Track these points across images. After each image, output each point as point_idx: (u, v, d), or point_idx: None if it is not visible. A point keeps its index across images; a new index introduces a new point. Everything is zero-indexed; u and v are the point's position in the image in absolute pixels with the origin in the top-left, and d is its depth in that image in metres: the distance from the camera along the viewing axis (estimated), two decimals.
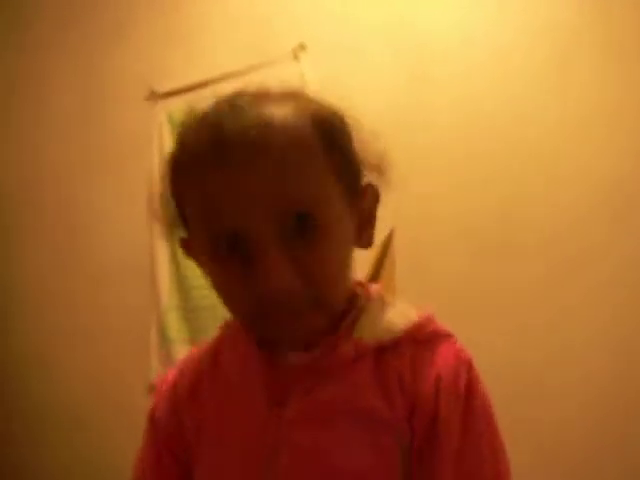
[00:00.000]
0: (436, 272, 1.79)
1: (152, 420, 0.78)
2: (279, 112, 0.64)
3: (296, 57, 2.03)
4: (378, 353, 0.68)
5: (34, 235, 2.54)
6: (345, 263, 0.68)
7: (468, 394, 0.67)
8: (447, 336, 0.71)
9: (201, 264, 0.70)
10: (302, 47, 2.02)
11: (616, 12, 1.68)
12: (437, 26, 1.89)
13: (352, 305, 0.71)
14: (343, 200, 0.67)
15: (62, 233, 2.49)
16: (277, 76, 2.04)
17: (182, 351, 2.15)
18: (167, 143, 2.24)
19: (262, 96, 0.67)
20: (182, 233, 0.72)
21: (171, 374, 0.80)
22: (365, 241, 0.72)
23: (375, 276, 1.82)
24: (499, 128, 1.78)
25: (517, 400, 1.65)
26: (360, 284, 0.75)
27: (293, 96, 0.68)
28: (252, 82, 2.29)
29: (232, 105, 0.66)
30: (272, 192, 0.61)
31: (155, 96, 2.29)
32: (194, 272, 2.14)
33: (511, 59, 1.78)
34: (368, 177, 0.71)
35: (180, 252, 2.33)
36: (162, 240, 2.22)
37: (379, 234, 1.88)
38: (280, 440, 0.67)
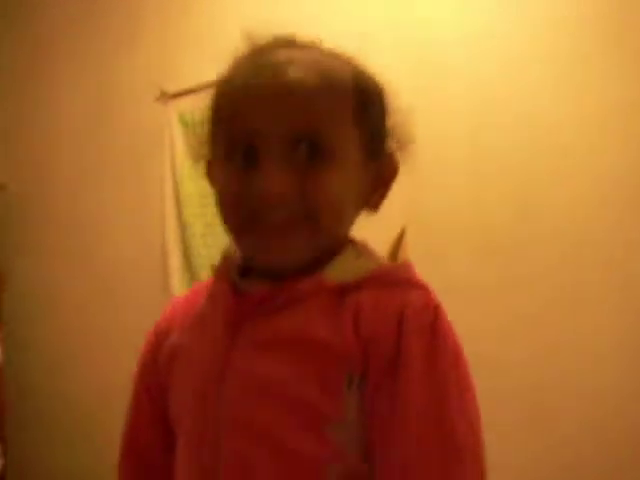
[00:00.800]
0: (449, 265, 1.79)
1: (140, 362, 0.83)
2: (327, 57, 0.71)
3: None
4: (340, 292, 0.67)
5: (47, 235, 2.56)
6: (344, 202, 0.70)
7: (434, 333, 0.64)
8: (421, 286, 0.69)
9: (214, 182, 0.75)
10: None
11: (632, 4, 1.67)
12: (442, 17, 1.88)
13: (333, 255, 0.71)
14: (360, 151, 0.70)
15: (75, 233, 2.51)
16: None
17: None
18: (178, 143, 2.25)
19: (319, 44, 0.74)
20: (208, 155, 0.76)
21: (161, 316, 0.83)
22: (373, 203, 0.74)
23: None
24: (509, 121, 1.78)
25: (533, 392, 1.65)
26: (353, 241, 0.74)
27: (346, 55, 0.74)
28: None
29: (289, 40, 0.74)
30: (293, 111, 0.66)
31: (166, 96, 2.30)
32: (208, 271, 2.15)
33: (522, 48, 1.77)
34: (392, 148, 0.74)
35: (193, 251, 2.33)
36: (174, 239, 2.24)
37: (391, 231, 1.89)
38: (228, 364, 0.69)
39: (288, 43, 0.73)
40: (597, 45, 1.69)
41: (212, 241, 2.12)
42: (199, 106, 2.24)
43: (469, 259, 1.78)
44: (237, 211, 0.69)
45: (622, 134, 1.66)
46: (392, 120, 0.74)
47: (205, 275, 2.14)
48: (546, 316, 1.69)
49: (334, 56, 0.72)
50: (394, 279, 0.69)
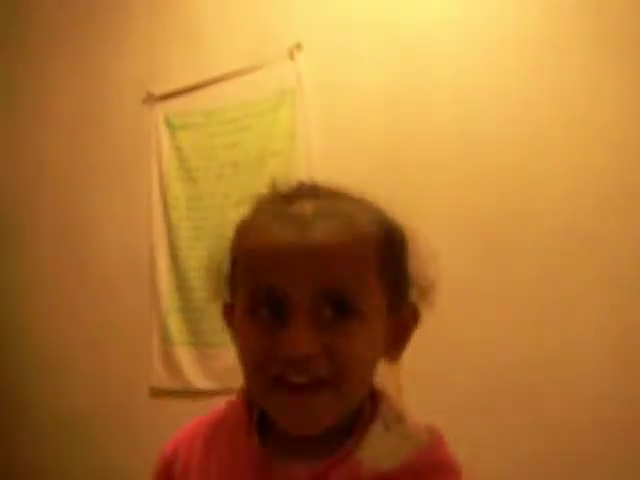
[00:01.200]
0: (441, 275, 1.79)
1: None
2: (352, 208, 0.71)
3: (292, 57, 2.03)
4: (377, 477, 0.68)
5: (33, 238, 2.54)
6: (369, 362, 0.69)
7: None
8: (451, 470, 0.70)
9: (235, 330, 0.73)
10: (298, 47, 2.02)
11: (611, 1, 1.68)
12: (432, 24, 1.88)
13: (360, 416, 0.71)
14: (384, 306, 0.70)
15: (61, 236, 2.49)
16: (273, 76, 2.05)
17: (184, 353, 2.15)
18: (165, 145, 2.24)
19: (342, 191, 0.74)
20: (227, 298, 0.76)
21: (168, 449, 0.80)
22: (394, 354, 0.74)
23: None
24: (492, 111, 1.78)
25: (527, 394, 1.64)
26: (372, 395, 0.73)
27: (368, 201, 0.74)
28: (248, 82, 2.26)
29: (313, 189, 0.73)
30: (319, 270, 0.66)
31: (152, 98, 2.29)
32: (196, 273, 2.14)
33: (506, 38, 1.78)
34: (413, 296, 0.74)
35: (180, 253, 2.32)
36: (162, 242, 2.23)
37: None
38: None
39: (313, 192, 0.72)
40: (576, 39, 1.70)
41: (199, 244, 2.11)
42: (185, 109, 2.25)
43: (461, 255, 1.77)
44: (263, 373, 0.68)
45: (615, 121, 1.65)
46: (414, 267, 0.74)
47: (193, 276, 2.15)
48: (542, 319, 1.68)
49: (359, 207, 0.71)
50: (429, 464, 0.69)
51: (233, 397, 0.77)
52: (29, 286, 2.51)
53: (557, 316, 1.66)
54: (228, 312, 0.75)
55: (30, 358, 2.47)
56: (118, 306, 2.33)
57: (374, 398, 0.73)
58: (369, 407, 0.72)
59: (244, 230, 0.73)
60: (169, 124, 2.25)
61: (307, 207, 0.70)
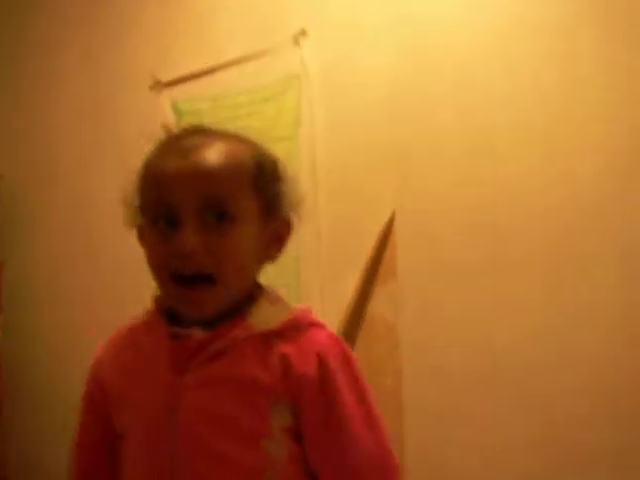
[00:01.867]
0: (440, 248, 1.79)
1: (87, 396, 0.99)
2: (230, 141, 0.92)
3: (297, 43, 2.03)
4: (264, 337, 0.88)
5: (45, 224, 2.57)
6: (244, 256, 0.89)
7: (344, 362, 0.88)
8: (321, 325, 0.92)
9: (145, 243, 0.93)
10: (303, 32, 2.03)
11: None
12: (441, 9, 1.87)
13: (244, 303, 0.91)
14: (259, 214, 0.91)
15: (73, 221, 2.53)
16: (278, 62, 2.06)
17: None
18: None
19: (225, 131, 0.94)
20: (140, 222, 0.95)
21: (99, 349, 1.01)
22: (270, 255, 0.94)
23: (377, 260, 1.84)
24: (499, 96, 1.76)
25: (520, 387, 1.66)
26: (259, 286, 0.95)
27: (248, 139, 0.95)
28: (254, 68, 2.27)
29: (199, 128, 0.94)
30: (201, 186, 0.86)
31: (159, 85, 2.31)
32: None
33: (517, 28, 1.76)
34: (286, 210, 0.94)
35: None
36: None
37: (380, 218, 1.90)
38: (179, 401, 0.87)
39: (199, 130, 0.93)
40: (586, 25, 1.68)
41: None
42: (192, 95, 2.26)
43: (460, 241, 1.78)
44: (162, 269, 0.89)
45: (617, 103, 1.62)
46: (285, 188, 0.94)
47: None
48: (540, 297, 1.68)
49: (237, 139, 0.92)
50: (304, 324, 0.90)
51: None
52: (43, 277, 2.55)
53: (554, 293, 1.66)
54: (141, 233, 0.95)
55: (38, 343, 2.51)
56: (129, 292, 2.35)
57: (259, 289, 0.94)
58: (255, 294, 0.92)
59: (145, 164, 0.93)
60: (176, 110, 2.27)
61: (193, 140, 0.90)
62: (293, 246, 1.90)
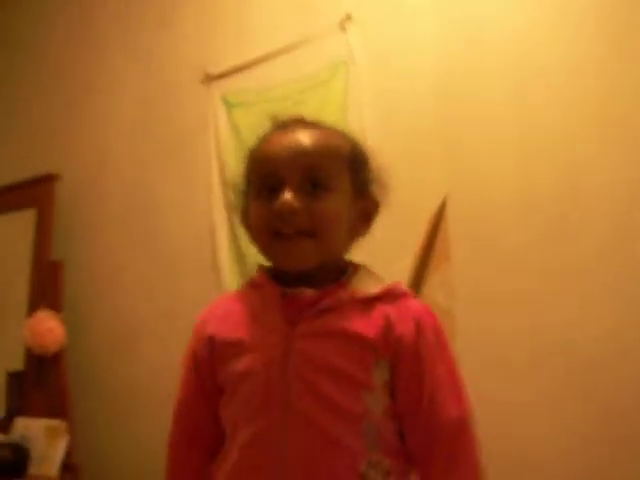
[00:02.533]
0: (493, 246, 1.74)
1: (191, 355, 1.06)
2: (329, 128, 1.05)
3: (343, 28, 2.01)
4: (366, 301, 0.98)
5: (101, 222, 2.63)
6: (339, 221, 1.00)
7: (436, 332, 1.00)
8: (412, 295, 1.04)
9: (249, 216, 1.04)
10: (349, 18, 2.00)
11: None
12: None
13: (344, 273, 1.03)
14: (351, 190, 1.02)
15: (128, 218, 2.57)
16: (324, 49, 2.04)
17: None
18: (222, 124, 2.28)
19: (323, 122, 1.06)
20: (242, 204, 1.07)
21: (202, 314, 1.08)
22: (359, 230, 1.06)
23: (429, 245, 1.80)
24: (554, 90, 1.70)
25: (575, 375, 1.60)
26: (352, 263, 1.06)
27: (344, 129, 1.08)
28: (300, 57, 2.26)
29: (301, 119, 1.07)
30: (305, 162, 0.99)
31: (209, 78, 2.32)
32: (254, 251, 2.17)
33: (566, 13, 1.70)
34: (375, 192, 1.06)
35: (239, 231, 2.37)
36: (222, 222, 2.27)
37: (432, 203, 1.85)
38: (292, 347, 0.96)
39: (301, 120, 1.06)
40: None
41: None
42: (240, 87, 2.27)
43: (515, 225, 1.72)
44: (265, 230, 0.99)
45: None
46: (374, 173, 1.06)
47: (251, 253, 2.17)
48: (600, 282, 1.61)
49: (335, 129, 1.05)
50: (399, 292, 1.01)
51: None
52: (102, 274, 2.61)
53: (618, 294, 1.59)
54: (244, 214, 1.07)
55: (101, 338, 2.58)
56: (189, 286, 2.38)
57: (355, 265, 1.05)
58: (352, 268, 1.04)
59: (253, 149, 1.06)
60: (226, 102, 2.28)
61: (298, 129, 1.02)
62: None
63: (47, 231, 2.60)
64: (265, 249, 1.01)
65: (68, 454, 2.32)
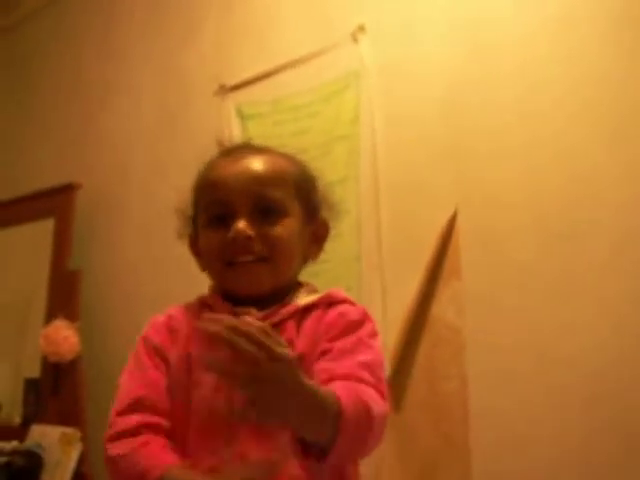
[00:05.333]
0: (505, 258, 1.69)
1: (150, 346, 1.05)
2: (276, 153, 1.09)
3: (355, 39, 2.00)
4: (303, 311, 1.01)
5: (122, 232, 2.65)
6: (293, 245, 1.03)
7: (360, 322, 1.01)
8: (352, 302, 1.04)
9: (199, 245, 1.06)
10: (361, 29, 1.99)
11: None
12: (500, 7, 1.78)
13: (292, 291, 1.05)
14: (300, 214, 1.05)
15: (149, 228, 2.58)
16: (337, 60, 2.03)
17: None
18: (236, 135, 2.27)
19: (270, 147, 1.11)
20: (192, 232, 1.10)
21: (161, 317, 1.09)
22: (312, 254, 1.09)
23: (439, 259, 1.76)
24: (562, 97, 1.66)
25: (581, 385, 1.55)
26: (298, 283, 1.08)
27: (289, 154, 1.10)
28: (313, 68, 2.26)
29: (248, 145, 1.13)
30: (254, 189, 1.01)
31: (224, 90, 2.33)
32: None
33: (573, 19, 1.66)
34: (323, 215, 1.09)
35: None
36: None
37: (443, 215, 1.83)
38: None
39: (248, 145, 1.11)
40: None
41: None
42: (254, 98, 2.26)
43: (528, 237, 1.68)
44: (219, 258, 1.01)
45: None
46: (321, 195, 1.10)
47: None
48: (616, 296, 1.55)
49: (282, 155, 1.08)
50: (337, 299, 1.03)
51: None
52: (120, 284, 2.62)
53: (623, 306, 1.53)
54: (192, 241, 1.09)
55: (117, 348, 2.59)
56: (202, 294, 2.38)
57: (302, 285, 1.07)
58: (297, 286, 1.07)
59: (201, 176, 1.07)
60: (240, 114, 2.28)
61: (244, 152, 1.06)
62: (354, 248, 1.90)
63: (66, 241, 2.63)
64: (219, 277, 1.04)
65: (80, 462, 2.33)
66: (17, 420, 2.60)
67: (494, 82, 1.76)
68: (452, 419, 1.67)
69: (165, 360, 1.02)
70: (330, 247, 1.86)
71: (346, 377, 0.91)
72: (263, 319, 0.96)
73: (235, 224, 0.98)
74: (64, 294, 2.57)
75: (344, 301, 1.03)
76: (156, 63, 2.61)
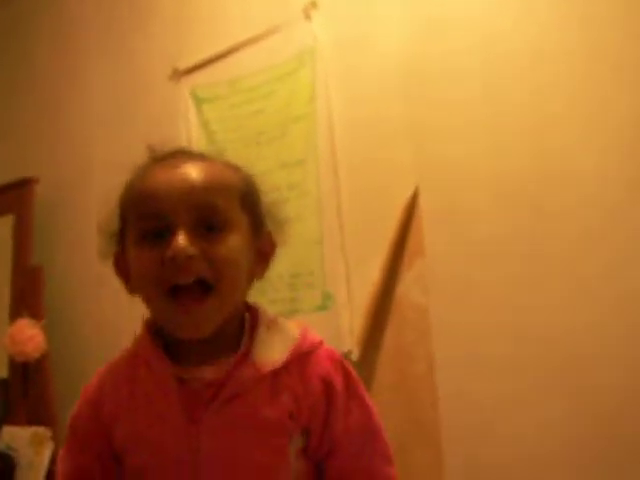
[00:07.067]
0: (470, 238, 1.65)
1: (73, 427, 0.96)
2: (217, 161, 0.94)
3: (308, 16, 1.93)
4: (272, 374, 0.88)
5: (82, 227, 2.58)
6: (241, 266, 0.89)
7: (347, 385, 0.93)
8: (319, 343, 0.94)
9: (127, 266, 0.90)
10: (313, 5, 1.93)
11: None
12: None
13: (242, 325, 0.92)
14: (246, 230, 0.91)
15: None
16: (290, 39, 1.97)
17: None
18: (192, 119, 2.21)
19: (208, 154, 0.97)
20: (116, 249, 0.93)
21: (91, 385, 0.96)
22: (259, 272, 0.95)
23: (402, 239, 1.73)
24: (526, 71, 1.61)
25: (561, 370, 1.52)
26: (249, 309, 0.94)
27: (230, 161, 0.96)
28: (267, 47, 2.18)
29: (183, 150, 0.96)
30: (195, 200, 0.86)
31: (178, 74, 2.26)
32: None
33: None
34: (269, 229, 0.96)
35: None
36: None
37: (404, 194, 1.78)
38: (199, 448, 0.86)
39: (184, 151, 0.95)
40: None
41: None
42: (209, 81, 2.20)
43: (492, 213, 1.63)
44: (155, 284, 0.84)
45: None
46: (267, 208, 0.96)
47: None
48: (582, 272, 1.52)
49: (223, 161, 0.95)
50: (305, 348, 0.91)
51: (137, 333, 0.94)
52: (79, 275, 2.56)
53: (596, 285, 1.49)
54: (118, 260, 0.93)
55: (83, 343, 2.54)
56: None
57: (251, 311, 0.94)
58: (249, 318, 0.93)
59: (131, 185, 0.91)
60: (195, 98, 2.22)
61: (180, 158, 0.90)
62: (316, 230, 1.86)
63: (26, 236, 2.56)
64: (156, 310, 0.88)
65: (53, 461, 2.28)
66: None
67: (455, 56, 1.70)
68: (421, 402, 1.64)
69: (98, 434, 0.92)
70: (292, 230, 1.81)
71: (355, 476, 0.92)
72: (220, 386, 0.86)
73: (175, 240, 0.82)
74: (27, 290, 2.50)
75: (313, 348, 0.93)
76: (109, 51, 2.53)
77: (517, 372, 1.56)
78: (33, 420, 2.39)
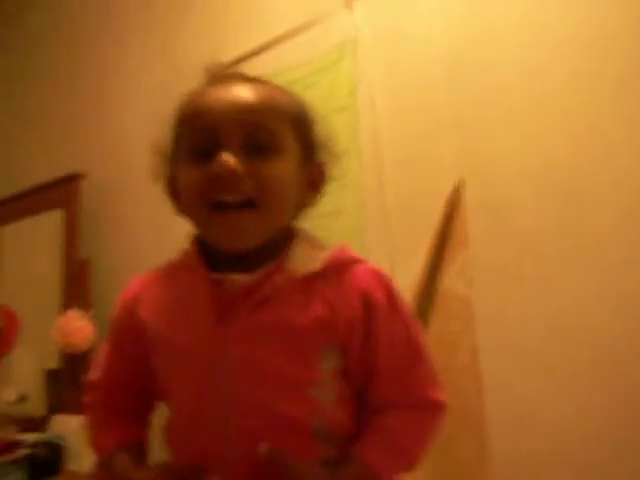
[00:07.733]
0: (516, 230, 1.62)
1: (111, 327, 1.01)
2: (272, 85, 0.95)
3: (349, 6, 1.92)
4: (307, 280, 0.86)
5: (128, 221, 2.63)
6: (287, 187, 0.87)
7: (389, 301, 0.90)
8: (361, 260, 0.92)
9: (177, 187, 0.90)
10: None
11: None
12: None
13: (286, 245, 0.90)
14: (297, 154, 0.90)
15: (154, 216, 2.55)
16: (331, 30, 1.96)
17: None
18: None
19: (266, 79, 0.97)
20: (169, 173, 0.94)
21: (134, 285, 0.99)
22: (308, 200, 0.94)
23: (446, 230, 1.71)
24: (575, 63, 1.57)
25: (596, 359, 1.48)
26: (296, 232, 0.93)
27: (289, 90, 0.96)
28: (308, 39, 2.18)
29: (239, 74, 0.96)
30: (247, 119, 0.85)
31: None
32: None
33: None
34: (322, 159, 0.95)
35: None
36: None
37: (448, 185, 1.76)
38: (225, 352, 0.84)
39: (240, 75, 0.95)
40: None
41: None
42: (251, 74, 2.20)
43: (536, 206, 1.61)
44: (200, 199, 0.85)
45: None
46: (321, 139, 0.95)
47: None
48: (626, 265, 1.48)
49: (279, 87, 0.95)
50: (344, 261, 0.89)
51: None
52: (127, 267, 2.60)
53: (633, 274, 1.45)
54: (170, 184, 0.94)
55: None
56: None
57: (296, 233, 0.93)
58: (292, 237, 0.92)
59: (185, 103, 0.92)
60: None
61: (235, 81, 0.90)
62: (358, 218, 1.85)
63: (75, 230, 2.61)
64: (201, 224, 0.89)
65: None
66: (42, 411, 2.62)
67: (498, 43, 1.67)
68: (466, 393, 1.63)
69: (132, 333, 0.96)
70: (334, 222, 1.81)
71: (397, 405, 0.89)
72: (253, 289, 0.84)
73: (221, 155, 0.82)
74: (76, 284, 2.56)
75: (352, 262, 0.90)
76: (152, 45, 2.56)
77: (559, 362, 1.53)
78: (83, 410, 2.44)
